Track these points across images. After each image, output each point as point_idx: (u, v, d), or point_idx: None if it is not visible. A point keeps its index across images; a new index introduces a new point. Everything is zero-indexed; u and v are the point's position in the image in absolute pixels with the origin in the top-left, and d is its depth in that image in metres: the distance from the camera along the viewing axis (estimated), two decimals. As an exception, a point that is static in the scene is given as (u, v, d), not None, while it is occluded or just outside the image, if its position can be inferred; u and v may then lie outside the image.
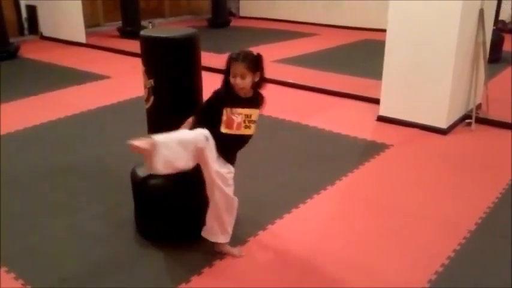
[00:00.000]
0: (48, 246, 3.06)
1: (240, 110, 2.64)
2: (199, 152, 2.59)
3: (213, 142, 2.64)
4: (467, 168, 4.16)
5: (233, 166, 2.78)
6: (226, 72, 2.66)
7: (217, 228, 2.83)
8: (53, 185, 3.85)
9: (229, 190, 2.77)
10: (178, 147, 2.51)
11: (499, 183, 3.85)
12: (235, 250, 2.93)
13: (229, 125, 2.65)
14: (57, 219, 3.34)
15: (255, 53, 2.66)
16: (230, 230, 2.87)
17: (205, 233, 2.88)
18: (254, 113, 2.69)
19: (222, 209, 2.77)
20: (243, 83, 2.61)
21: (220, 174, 2.69)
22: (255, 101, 2.72)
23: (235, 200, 2.81)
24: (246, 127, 2.68)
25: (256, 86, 2.70)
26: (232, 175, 2.78)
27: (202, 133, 2.61)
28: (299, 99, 6.08)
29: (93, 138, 4.83)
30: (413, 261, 2.90)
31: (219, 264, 2.85)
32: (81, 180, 3.91)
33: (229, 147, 2.72)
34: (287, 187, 3.80)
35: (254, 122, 2.70)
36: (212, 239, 2.87)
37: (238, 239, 3.01)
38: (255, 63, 2.63)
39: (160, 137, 2.47)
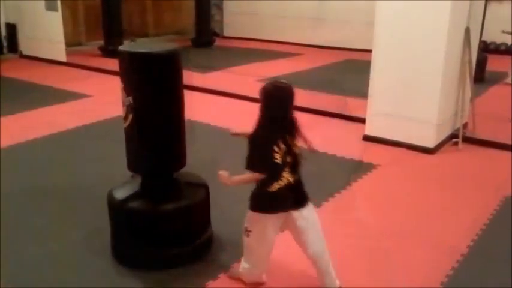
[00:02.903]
0: (24, 274, 2.88)
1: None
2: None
3: None
4: (457, 189, 4.08)
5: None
6: None
7: None
8: (29, 209, 3.67)
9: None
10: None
11: (490, 203, 3.76)
12: None
13: None
14: (34, 246, 3.16)
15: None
16: None
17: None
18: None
19: None
20: None
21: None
22: None
23: None
24: None
25: None
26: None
27: None
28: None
29: (71, 159, 4.65)
30: (407, 285, 2.78)
31: (201, 292, 2.70)
32: (59, 203, 3.74)
33: None
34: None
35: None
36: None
37: (227, 262, 2.91)
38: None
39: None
